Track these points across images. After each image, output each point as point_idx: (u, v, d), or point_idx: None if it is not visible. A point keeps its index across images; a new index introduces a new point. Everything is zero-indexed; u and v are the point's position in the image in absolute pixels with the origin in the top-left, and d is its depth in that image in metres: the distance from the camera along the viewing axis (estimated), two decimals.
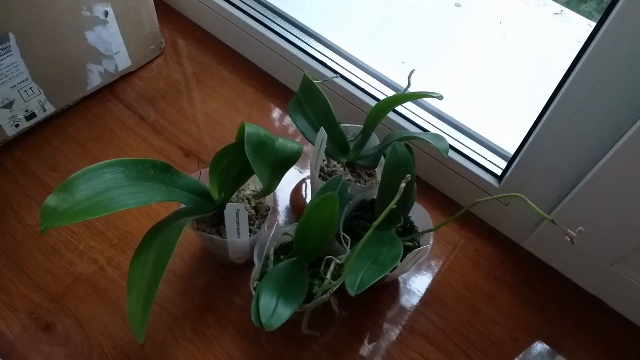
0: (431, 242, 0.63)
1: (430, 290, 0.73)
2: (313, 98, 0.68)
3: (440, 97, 0.57)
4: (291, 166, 0.60)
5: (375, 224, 0.45)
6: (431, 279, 0.74)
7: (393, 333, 0.69)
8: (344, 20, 0.99)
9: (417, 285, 0.73)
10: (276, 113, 0.91)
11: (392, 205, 0.43)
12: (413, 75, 0.65)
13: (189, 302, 0.70)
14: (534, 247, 0.74)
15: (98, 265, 0.72)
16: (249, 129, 0.55)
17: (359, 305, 0.71)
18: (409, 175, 0.44)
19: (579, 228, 0.41)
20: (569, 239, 0.40)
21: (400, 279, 0.74)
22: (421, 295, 0.72)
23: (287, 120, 0.90)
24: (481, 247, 0.78)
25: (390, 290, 0.73)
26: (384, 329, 0.69)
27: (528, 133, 0.65)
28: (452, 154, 0.75)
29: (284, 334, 0.67)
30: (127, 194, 0.52)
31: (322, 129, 0.62)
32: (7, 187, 0.78)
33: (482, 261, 0.76)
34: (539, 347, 0.69)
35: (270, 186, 0.59)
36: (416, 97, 0.59)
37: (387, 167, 0.58)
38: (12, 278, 0.70)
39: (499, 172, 0.73)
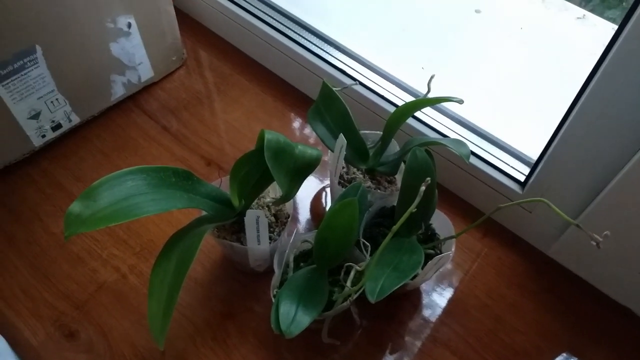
0: (453, 249, 0.62)
1: (452, 299, 0.72)
2: (332, 105, 0.68)
3: (461, 102, 0.56)
4: (310, 172, 0.60)
5: (395, 228, 0.44)
6: (453, 287, 0.73)
7: (415, 343, 0.68)
8: (362, 27, 0.99)
9: (439, 294, 0.72)
10: (296, 121, 0.92)
11: (412, 208, 0.42)
12: (432, 80, 0.64)
13: (209, 309, 0.70)
14: (559, 255, 0.73)
15: (120, 273, 0.73)
16: (269, 135, 0.55)
17: (380, 314, 0.70)
18: (428, 178, 0.43)
19: (605, 232, 0.40)
20: (594, 244, 0.39)
21: (422, 287, 0.73)
22: (443, 304, 0.71)
23: (307, 128, 0.91)
24: (504, 255, 0.76)
25: (411, 299, 0.72)
26: (405, 339, 0.68)
27: (551, 137, 0.64)
28: (473, 159, 0.74)
29: (304, 343, 0.67)
30: (149, 201, 0.53)
31: (341, 135, 0.62)
32: (34, 196, 0.80)
33: (505, 269, 0.75)
34: (564, 356, 0.68)
35: (290, 192, 0.59)
36: (436, 102, 0.58)
37: (407, 172, 0.57)
38: (36, 285, 0.71)
39: (522, 178, 0.72)
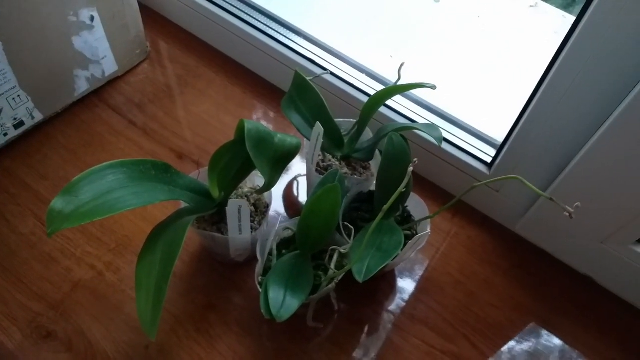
0: (429, 229, 0.65)
1: (427, 278, 0.75)
2: (306, 94, 0.69)
3: (434, 87, 0.59)
4: (290, 160, 0.61)
5: (386, 207, 0.46)
6: (427, 266, 0.76)
7: (393, 320, 0.70)
8: (328, 17, 1.00)
9: (414, 273, 0.75)
10: (266, 112, 0.92)
11: (402, 188, 0.44)
12: (402, 68, 0.66)
13: (190, 302, 0.70)
14: (525, 230, 0.77)
15: (96, 271, 0.72)
16: (249, 125, 0.56)
17: (359, 297, 0.72)
18: (415, 159, 0.45)
19: (576, 203, 0.43)
20: (567, 214, 0.42)
21: (397, 268, 0.75)
22: (418, 283, 0.74)
23: (278, 118, 0.91)
24: (474, 234, 0.80)
25: (388, 279, 0.74)
26: (384, 318, 0.71)
27: (516, 119, 0.67)
28: (443, 144, 0.77)
29: (287, 328, 0.68)
30: (131, 194, 0.53)
31: (318, 124, 0.63)
32: None
33: (475, 247, 0.78)
34: (536, 326, 0.72)
35: (272, 181, 0.59)
36: (410, 88, 0.60)
37: (385, 158, 0.59)
38: (8, 287, 0.69)
39: (489, 160, 0.75)
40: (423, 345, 0.69)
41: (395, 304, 0.72)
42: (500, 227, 0.81)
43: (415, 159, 0.45)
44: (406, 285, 0.74)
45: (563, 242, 0.73)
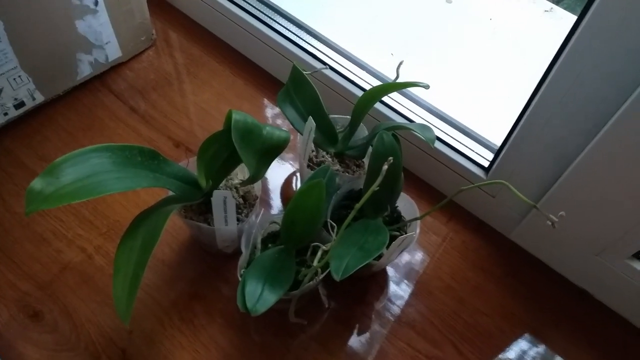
0: (417, 231, 0.64)
1: (417, 281, 0.74)
2: (302, 88, 0.68)
3: (427, 86, 0.57)
4: (278, 154, 0.60)
5: (358, 206, 0.45)
6: (419, 269, 0.75)
7: (381, 323, 0.69)
8: (334, 13, 0.99)
9: (405, 275, 0.74)
10: (266, 105, 0.92)
11: (374, 186, 0.43)
12: (401, 67, 0.65)
13: (176, 290, 0.70)
14: (520, 238, 0.75)
15: (86, 254, 0.72)
16: (236, 115, 0.55)
17: (347, 296, 0.71)
18: (391, 158, 0.44)
19: (560, 213, 0.42)
20: (550, 223, 0.41)
21: (389, 269, 0.74)
22: (409, 286, 0.73)
23: (277, 111, 0.91)
24: (468, 239, 0.78)
25: (378, 280, 0.73)
26: (372, 319, 0.70)
27: (514, 124, 0.66)
28: (439, 145, 0.75)
29: (272, 323, 0.68)
30: (114, 179, 0.52)
31: (310, 118, 0.63)
32: None
33: (469, 253, 0.77)
34: (526, 337, 0.70)
35: (258, 173, 0.59)
36: (403, 87, 0.59)
37: (373, 155, 0.58)
38: None
39: (486, 164, 0.73)
40: (408, 349, 0.68)
41: (384, 306, 0.71)
42: (495, 233, 0.79)
43: (391, 158, 0.44)
44: (396, 288, 0.73)
45: (558, 252, 0.71)
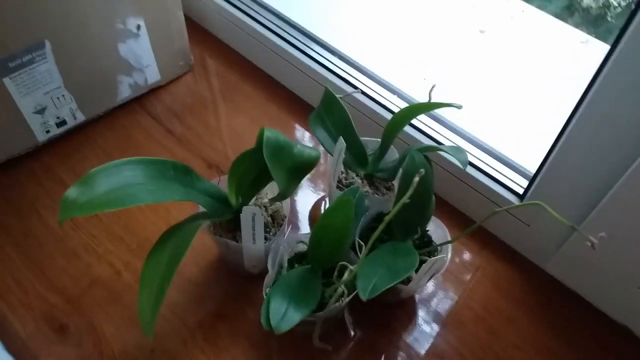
0: (449, 256, 0.62)
1: (447, 311, 0.71)
2: (333, 110, 0.69)
3: (459, 106, 0.57)
4: (308, 172, 0.60)
5: (387, 218, 0.44)
6: (449, 299, 0.72)
7: (408, 353, 0.67)
8: (368, 40, 1.00)
9: (435, 304, 0.71)
10: (298, 130, 0.93)
11: (405, 199, 0.42)
12: (434, 92, 0.65)
13: (202, 310, 0.69)
14: (556, 269, 0.72)
15: (115, 270, 0.73)
16: (268, 133, 0.56)
17: (374, 323, 0.69)
18: (422, 170, 0.43)
19: (601, 234, 0.40)
20: (589, 244, 0.39)
21: (417, 297, 0.72)
22: (438, 315, 0.70)
23: (308, 135, 0.91)
24: (502, 269, 0.76)
25: (406, 309, 0.71)
26: (398, 348, 0.67)
27: (549, 150, 0.64)
28: (472, 170, 0.74)
29: (296, 347, 0.66)
30: (145, 191, 0.53)
31: (341, 138, 0.63)
32: (34, 190, 0.80)
33: (502, 283, 0.74)
34: None
35: (287, 190, 0.59)
36: (435, 107, 0.59)
37: (403, 175, 0.57)
38: (30, 277, 0.71)
39: (521, 191, 0.71)
40: None
41: (412, 335, 0.69)
42: (530, 264, 0.76)
43: (422, 170, 0.43)
44: (425, 316, 0.70)
45: (597, 285, 0.68)
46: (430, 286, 0.73)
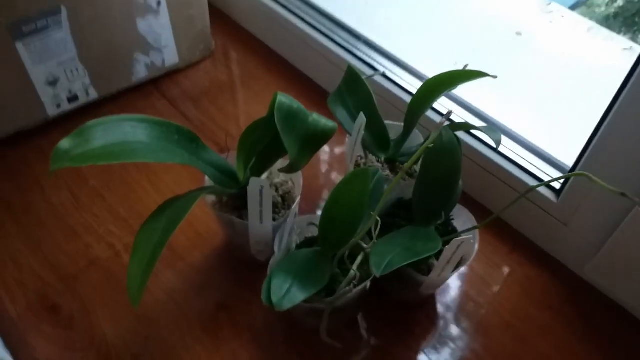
0: (476, 246, 0.56)
1: (472, 315, 0.64)
2: (355, 89, 0.64)
3: (495, 77, 0.51)
4: (323, 144, 0.55)
5: (407, 166, 0.38)
6: (474, 302, 0.65)
7: (427, 358, 0.60)
8: (400, 29, 0.96)
9: (458, 308, 0.65)
10: None
11: (429, 143, 0.37)
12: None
13: (203, 298, 0.64)
14: (594, 275, 0.65)
15: (114, 251, 0.68)
16: (282, 97, 0.51)
17: (391, 326, 0.63)
18: (450, 110, 0.38)
19: None
20: None
21: (438, 298, 0.65)
22: (462, 321, 0.63)
23: None
24: (533, 274, 0.68)
25: (427, 311, 0.65)
26: (417, 354, 0.61)
27: (587, 142, 0.58)
28: (508, 165, 0.68)
29: (302, 342, 0.60)
30: (146, 149, 0.49)
31: (362, 114, 0.58)
32: (40, 166, 0.77)
33: (534, 289, 0.67)
34: None
35: (298, 160, 0.54)
36: (465, 77, 0.53)
37: (429, 153, 0.51)
38: (26, 253, 0.68)
39: (558, 186, 0.65)
40: None
41: (431, 341, 0.62)
42: (564, 269, 0.69)
43: (450, 110, 0.37)
44: (447, 321, 0.63)
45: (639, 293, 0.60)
46: (454, 287, 0.67)
